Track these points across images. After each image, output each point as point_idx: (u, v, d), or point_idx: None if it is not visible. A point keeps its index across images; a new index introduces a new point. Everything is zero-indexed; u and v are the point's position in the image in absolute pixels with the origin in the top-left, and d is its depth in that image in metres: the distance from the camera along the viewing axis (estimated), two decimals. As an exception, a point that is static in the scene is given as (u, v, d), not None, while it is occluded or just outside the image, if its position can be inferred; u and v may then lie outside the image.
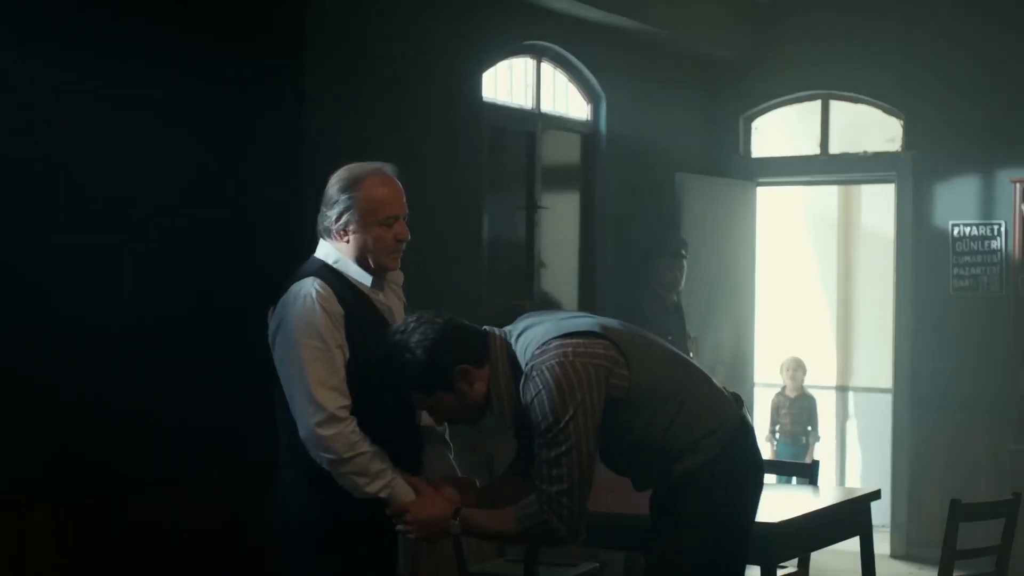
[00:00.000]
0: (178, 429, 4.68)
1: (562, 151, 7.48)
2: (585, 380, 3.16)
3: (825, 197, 9.97)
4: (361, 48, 5.61)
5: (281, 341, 3.27)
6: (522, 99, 7.10)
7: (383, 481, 3.25)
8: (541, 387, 3.14)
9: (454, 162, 6.22)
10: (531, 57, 7.15)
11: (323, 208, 3.41)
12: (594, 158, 7.60)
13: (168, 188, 4.74)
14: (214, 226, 4.92)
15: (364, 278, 3.39)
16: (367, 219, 3.35)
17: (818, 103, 8.70)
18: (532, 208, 7.07)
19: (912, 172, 8.24)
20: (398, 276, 3.50)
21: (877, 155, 8.50)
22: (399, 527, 3.34)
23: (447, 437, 3.64)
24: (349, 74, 5.53)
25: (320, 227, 3.43)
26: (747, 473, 3.42)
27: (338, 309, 3.26)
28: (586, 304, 7.38)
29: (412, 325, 3.26)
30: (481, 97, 6.53)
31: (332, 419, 3.18)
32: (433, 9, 6.08)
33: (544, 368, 3.16)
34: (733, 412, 3.39)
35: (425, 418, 3.55)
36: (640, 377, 3.27)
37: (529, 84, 7.13)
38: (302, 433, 3.21)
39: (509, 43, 6.83)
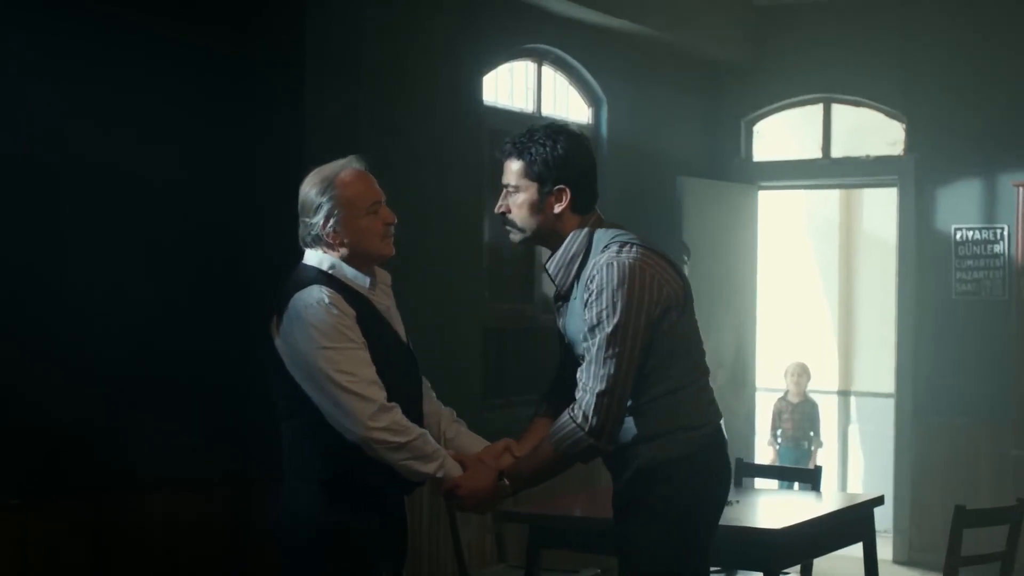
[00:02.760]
0: (177, 432, 4.69)
1: None
2: (656, 292, 3.23)
3: (827, 201, 9.95)
4: (359, 51, 5.59)
5: (305, 351, 3.24)
6: (523, 102, 7.10)
7: (438, 461, 3.30)
8: (615, 279, 3.19)
9: (454, 166, 6.19)
10: (532, 60, 7.15)
11: (304, 218, 3.38)
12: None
13: (161, 191, 4.74)
14: (210, 228, 4.91)
15: (361, 280, 3.38)
16: (353, 212, 3.35)
17: (820, 106, 8.68)
18: None
19: (914, 176, 8.22)
20: (386, 276, 3.50)
21: (879, 159, 8.47)
22: (451, 503, 3.41)
23: (456, 416, 3.66)
24: (347, 77, 5.50)
25: (306, 237, 3.40)
26: (713, 487, 3.40)
27: (351, 310, 3.27)
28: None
29: (576, 129, 3.42)
30: (481, 100, 6.51)
31: (383, 409, 3.21)
32: (433, 12, 6.06)
33: (622, 263, 3.21)
34: (716, 418, 3.41)
35: (430, 404, 3.56)
36: (685, 328, 3.32)
37: (530, 87, 7.14)
38: (356, 434, 3.21)
39: (510, 46, 6.83)
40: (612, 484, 3.45)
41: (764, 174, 8.79)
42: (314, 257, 3.40)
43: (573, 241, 3.37)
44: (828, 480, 7.76)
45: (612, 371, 3.19)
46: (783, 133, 8.92)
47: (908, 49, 8.22)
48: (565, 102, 7.46)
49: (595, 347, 3.21)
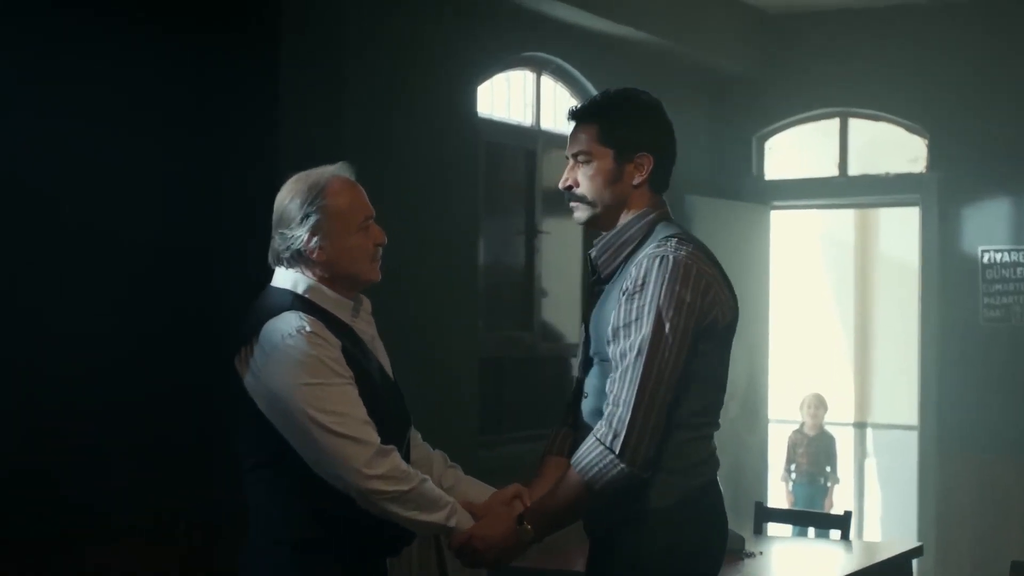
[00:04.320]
0: (140, 474, 4.56)
1: (564, 172, 7.09)
2: (709, 303, 2.89)
3: (841, 222, 9.88)
4: (343, 59, 5.37)
5: (283, 389, 2.90)
6: (521, 115, 6.98)
7: (446, 509, 2.99)
8: (666, 273, 2.86)
9: (447, 183, 6.05)
10: (530, 70, 7.02)
11: (281, 231, 3.04)
12: (598, 179, 7.31)
13: (134, 211, 4.66)
14: (182, 253, 4.79)
15: (342, 305, 3.05)
16: (343, 227, 3.01)
17: (836, 121, 8.53)
18: (532, 233, 6.95)
19: (937, 194, 8.04)
20: (367, 303, 3.18)
21: (900, 176, 8.33)
22: (466, 558, 3.04)
23: (449, 461, 3.33)
24: (330, 87, 5.30)
25: (283, 253, 3.05)
26: (713, 539, 3.02)
27: (336, 340, 2.95)
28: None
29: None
30: (476, 113, 6.37)
31: (380, 453, 2.89)
32: (423, 16, 5.91)
33: (678, 258, 2.88)
34: (715, 470, 3.03)
35: (418, 450, 3.24)
36: (717, 361, 2.98)
37: (528, 99, 7.03)
38: (351, 485, 2.88)
39: (507, 54, 6.69)
40: (586, 532, 3.07)
41: (777, 193, 8.66)
42: (287, 278, 3.04)
43: (632, 224, 3.02)
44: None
45: (652, 379, 2.81)
46: (797, 149, 8.76)
47: (929, 59, 8.05)
48: (564, 113, 7.08)
49: (632, 350, 2.83)
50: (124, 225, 4.63)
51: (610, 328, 2.90)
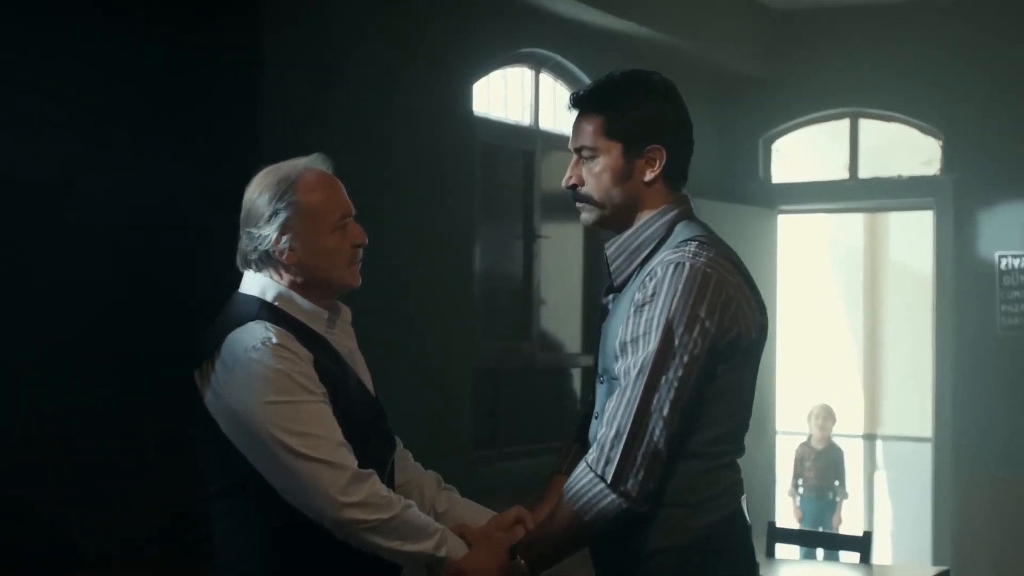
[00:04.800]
0: (110, 499, 4.45)
1: (563, 174, 6.92)
2: (730, 318, 2.59)
3: (849, 226, 9.85)
4: (329, 53, 5.30)
5: (247, 409, 2.67)
6: (518, 114, 6.89)
7: (435, 538, 2.77)
8: (680, 283, 2.57)
9: (441, 185, 5.96)
10: (529, 67, 6.94)
11: (249, 230, 2.80)
12: (599, 182, 7.25)
13: (103, 221, 4.61)
14: (152, 265, 4.72)
15: (315, 315, 2.82)
16: (317, 226, 2.78)
17: (846, 122, 8.48)
18: (530, 238, 6.88)
19: (952, 198, 7.97)
20: (346, 312, 2.94)
21: (913, 179, 8.26)
22: None
23: (444, 483, 3.10)
24: (314, 86, 5.22)
25: (250, 255, 2.81)
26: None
27: (306, 353, 2.72)
28: (590, 346, 7.13)
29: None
30: (472, 111, 6.28)
31: (357, 478, 2.66)
32: (416, 9, 5.82)
33: (696, 267, 2.59)
34: (738, 497, 2.73)
35: (407, 471, 3.02)
36: (742, 381, 2.69)
37: (526, 97, 6.95)
38: (325, 514, 2.65)
39: (504, 50, 6.60)
40: (594, 568, 2.78)
41: (784, 197, 8.58)
42: (256, 283, 2.81)
43: (649, 225, 2.71)
44: (853, 532, 7.69)
45: (654, 402, 2.53)
46: (805, 151, 8.70)
47: (944, 56, 7.99)
48: (566, 114, 6.91)
49: (634, 367, 2.56)
50: (95, 222, 4.58)
51: (617, 342, 2.62)
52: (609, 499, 2.54)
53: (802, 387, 9.28)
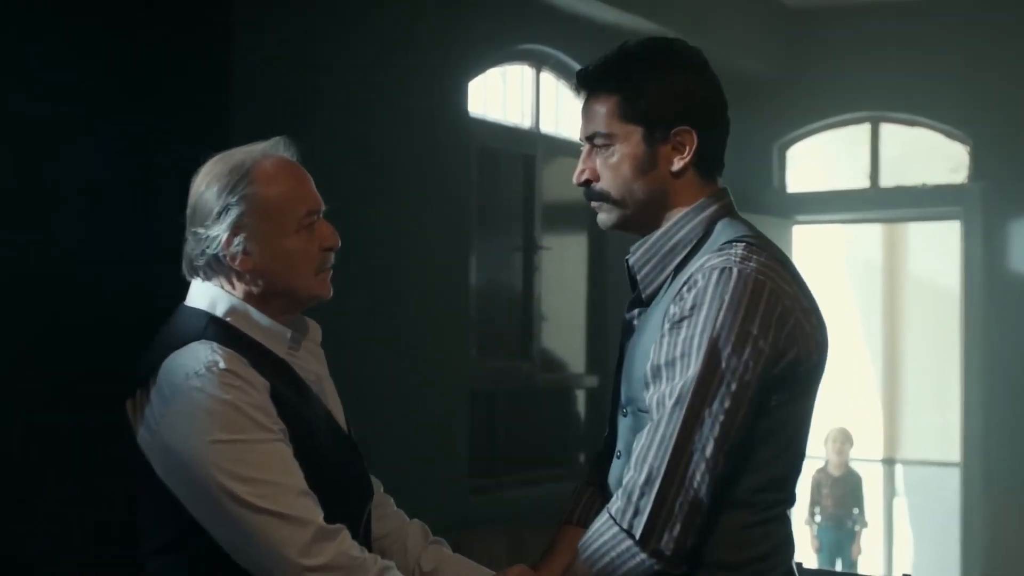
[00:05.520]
0: (65, 526, 4.35)
1: (566, 181, 6.75)
2: (786, 337, 2.23)
3: (867, 238, 9.84)
4: (310, 48, 5.13)
5: (187, 449, 2.32)
6: (518, 116, 6.81)
7: None
8: (727, 295, 2.20)
9: (435, 191, 5.82)
10: (529, 64, 6.84)
11: (195, 230, 2.44)
12: (604, 190, 7.21)
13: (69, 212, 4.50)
14: (119, 260, 4.57)
15: (274, 333, 2.45)
16: (277, 224, 2.42)
17: (867, 127, 8.40)
18: (531, 249, 6.79)
19: (981, 207, 7.87)
20: (315, 330, 2.58)
21: (938, 188, 8.17)
22: None
23: (432, 535, 2.76)
24: (291, 80, 5.04)
25: (196, 260, 2.45)
26: None
27: (261, 381, 2.36)
28: (595, 365, 7.10)
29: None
30: (467, 112, 6.14)
31: (322, 535, 2.32)
32: (406, 4, 5.68)
33: (746, 274, 2.22)
34: (790, 558, 2.34)
35: (388, 521, 2.67)
36: (798, 414, 2.32)
37: (526, 96, 6.86)
38: None
39: (502, 46, 6.50)
40: None
41: (800, 207, 8.53)
42: (204, 294, 2.44)
43: (682, 224, 2.32)
44: (871, 562, 7.81)
45: (695, 440, 2.18)
46: (823, 158, 8.65)
47: (971, 58, 7.90)
48: (568, 116, 7.09)
49: (670, 397, 2.20)
50: (54, 218, 4.49)
51: (648, 366, 2.22)
52: (638, 559, 2.19)
53: (818, 409, 9.06)
